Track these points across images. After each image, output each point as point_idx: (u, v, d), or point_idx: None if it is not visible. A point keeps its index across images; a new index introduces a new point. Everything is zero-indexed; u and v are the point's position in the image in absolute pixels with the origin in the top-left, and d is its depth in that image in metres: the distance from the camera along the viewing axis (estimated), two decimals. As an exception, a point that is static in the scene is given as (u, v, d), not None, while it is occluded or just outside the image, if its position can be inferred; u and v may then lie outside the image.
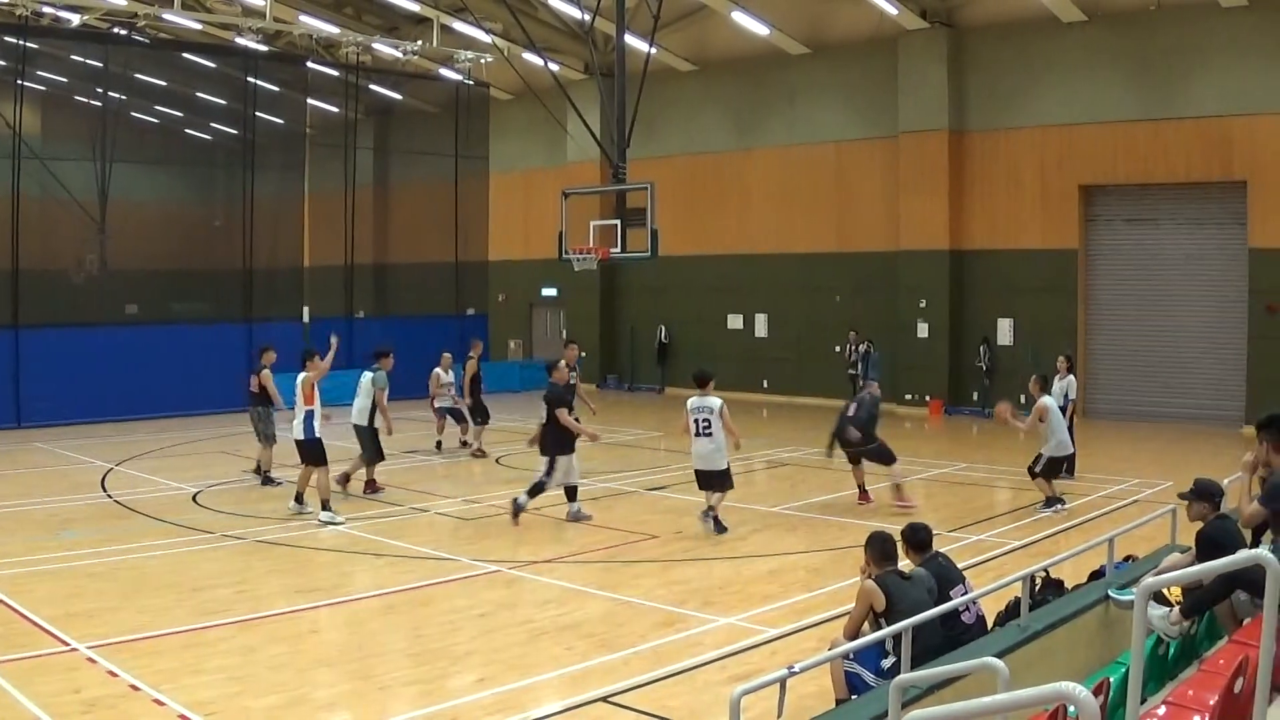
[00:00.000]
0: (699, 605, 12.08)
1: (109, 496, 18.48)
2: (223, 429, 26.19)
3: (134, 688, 9.45)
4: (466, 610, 12.06)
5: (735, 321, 34.97)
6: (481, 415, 22.96)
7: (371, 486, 18.69)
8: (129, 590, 12.86)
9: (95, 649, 10.42)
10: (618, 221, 26.22)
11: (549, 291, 39.25)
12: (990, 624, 8.93)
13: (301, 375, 16.83)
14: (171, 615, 11.77)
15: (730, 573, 13.60)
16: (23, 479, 20.55)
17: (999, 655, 6.15)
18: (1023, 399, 21.21)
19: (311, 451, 16.62)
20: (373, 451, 18.60)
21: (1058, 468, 17.57)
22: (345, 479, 18.44)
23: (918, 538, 9.18)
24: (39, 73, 31.29)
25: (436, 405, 23.42)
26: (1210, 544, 7.88)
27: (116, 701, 9.19)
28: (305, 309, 33.15)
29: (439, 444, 23.64)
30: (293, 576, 13.69)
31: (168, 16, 30.49)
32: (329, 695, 9.66)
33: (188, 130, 37.78)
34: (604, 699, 9.23)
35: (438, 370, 23.19)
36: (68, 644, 10.60)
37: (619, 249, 26.41)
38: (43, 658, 10.28)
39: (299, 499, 16.91)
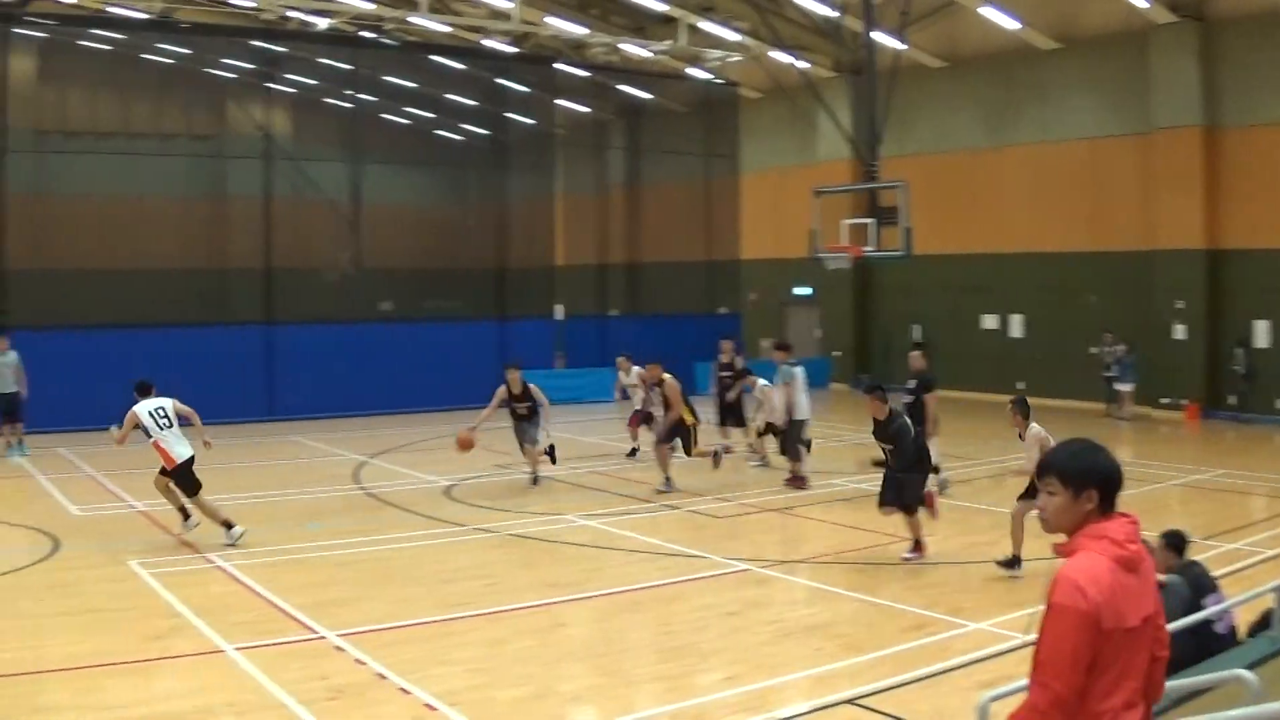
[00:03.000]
0: (949, 610, 11.62)
1: (362, 489, 18.82)
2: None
3: (380, 676, 9.50)
4: (715, 608, 11.85)
5: (989, 322, 33.85)
6: (733, 417, 22.05)
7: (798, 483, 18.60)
8: (378, 580, 13.05)
9: (344, 637, 10.52)
10: (871, 220, 25.65)
11: (802, 290, 38.70)
12: (1243, 635, 8.44)
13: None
14: (420, 606, 11.84)
15: (982, 578, 12.92)
16: (276, 471, 21.30)
17: (1249, 667, 5.79)
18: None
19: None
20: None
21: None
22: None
23: (1177, 541, 8.91)
24: (289, 76, 32.46)
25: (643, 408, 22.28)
26: None
27: (363, 689, 9.24)
28: (558, 307, 33.47)
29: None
30: (542, 570, 13.65)
31: (414, 20, 31.17)
32: (574, 689, 9.60)
33: (438, 131, 38.70)
34: (850, 701, 8.99)
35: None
36: (317, 632, 10.74)
37: (872, 248, 25.81)
38: (292, 645, 10.44)
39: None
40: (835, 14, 31.25)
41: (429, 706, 8.80)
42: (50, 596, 12.28)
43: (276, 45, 30.17)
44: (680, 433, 18.17)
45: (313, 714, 8.63)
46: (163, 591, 12.23)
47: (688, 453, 18.38)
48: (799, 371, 18.71)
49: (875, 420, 13.78)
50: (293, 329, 28.41)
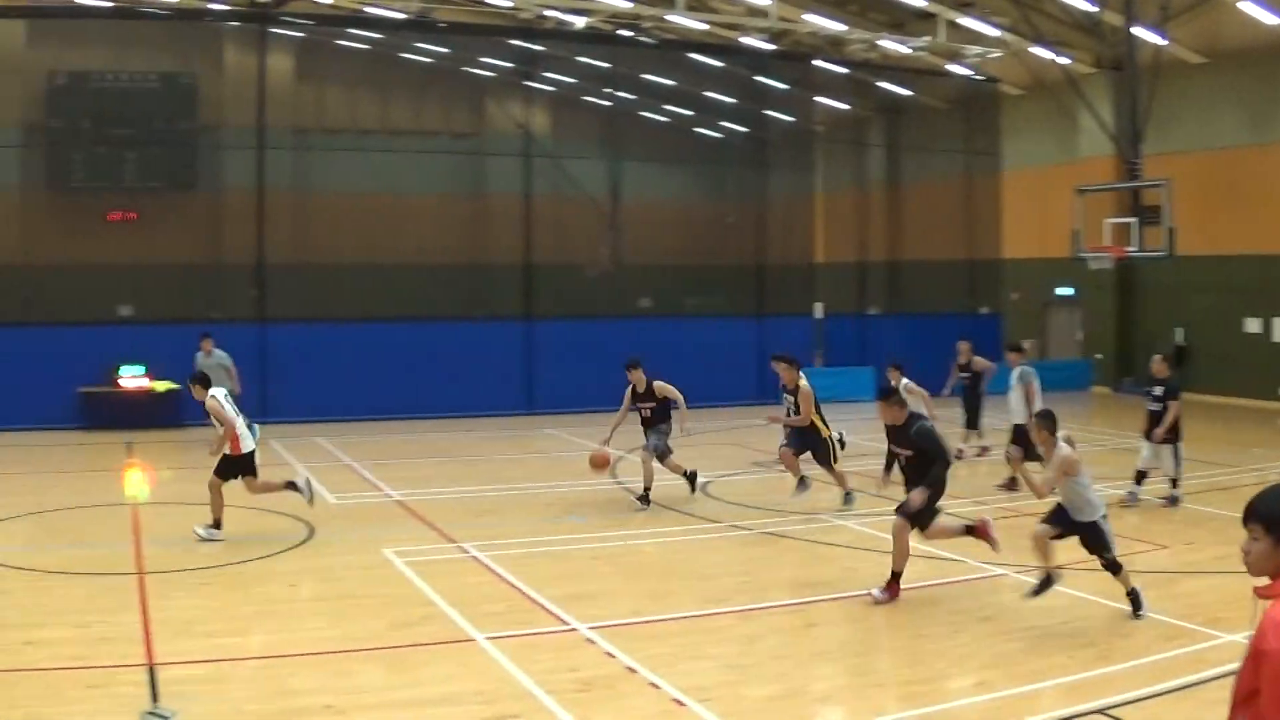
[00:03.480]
0: (1206, 621, 10.84)
1: (618, 484, 18.71)
2: (735, 420, 26.18)
3: (630, 670, 9.33)
4: (971, 612, 11.38)
5: (1252, 325, 31.86)
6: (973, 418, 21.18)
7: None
8: (631, 575, 12.94)
9: (594, 630, 10.38)
10: (1133, 219, 24.42)
11: (1064, 291, 37.17)
12: None
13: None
14: (672, 601, 11.64)
15: (1240, 588, 11.94)
16: (531, 463, 21.49)
17: None
18: None
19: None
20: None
21: None
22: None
23: None
24: (547, 74, 32.83)
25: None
26: None
27: (613, 682, 9.09)
28: (817, 305, 32.98)
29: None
30: (797, 569, 13.35)
31: (671, 18, 31.10)
32: (825, 689, 9.46)
33: (696, 129, 38.62)
34: (1101, 711, 8.55)
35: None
36: (567, 624, 10.63)
37: (1134, 248, 24.56)
38: (542, 635, 10.38)
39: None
40: (1095, 9, 30.03)
41: (677, 701, 8.57)
42: (304, 582, 12.59)
43: (534, 44, 30.53)
44: (814, 443, 16.38)
45: (561, 705, 8.49)
46: (416, 580, 12.34)
47: (827, 466, 16.42)
48: (1033, 372, 17.81)
49: (891, 427, 12.09)
50: (552, 324, 28.69)
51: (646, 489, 16.61)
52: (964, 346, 21.33)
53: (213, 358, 22.17)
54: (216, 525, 14.26)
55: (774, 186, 33.09)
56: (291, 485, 15.05)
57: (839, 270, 36.10)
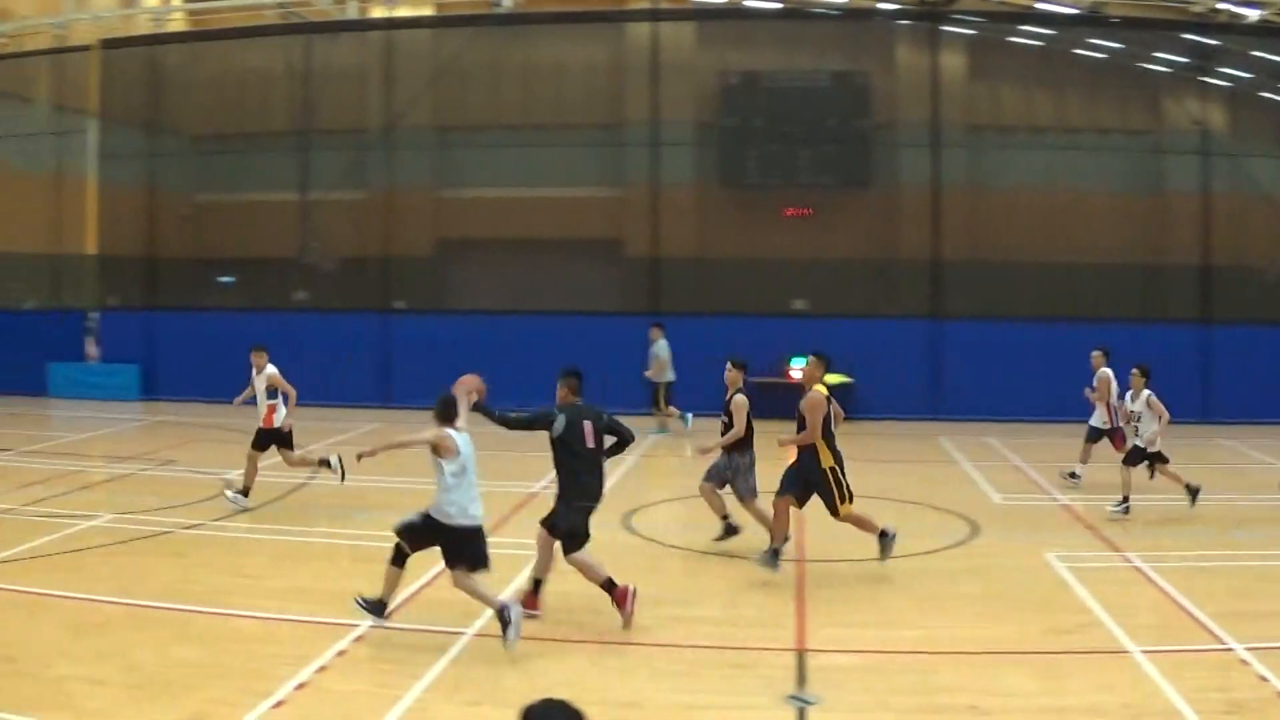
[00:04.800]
0: None
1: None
2: None
3: (1282, 695, 9.18)
4: None
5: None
6: None
7: None
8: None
9: (1252, 651, 10.23)
10: None
11: None
12: None
13: None
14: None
15: None
16: (1205, 475, 20.76)
17: None
18: None
19: None
20: None
21: None
22: None
23: None
24: (1223, 69, 31.33)
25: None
26: None
27: (1263, 706, 9.02)
28: None
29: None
30: None
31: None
32: None
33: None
34: None
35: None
36: (1224, 643, 10.54)
37: None
38: (1196, 653, 10.37)
39: None
40: None
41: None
42: (961, 580, 13.10)
43: (1208, 38, 29.36)
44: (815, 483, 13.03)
45: (1207, 725, 8.53)
46: (1075, 585, 12.58)
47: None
48: None
49: None
50: (1231, 330, 27.66)
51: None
52: None
53: (655, 346, 24.55)
54: (244, 493, 16.37)
55: None
56: (324, 463, 16.55)
57: None
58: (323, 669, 9.68)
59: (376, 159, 31.19)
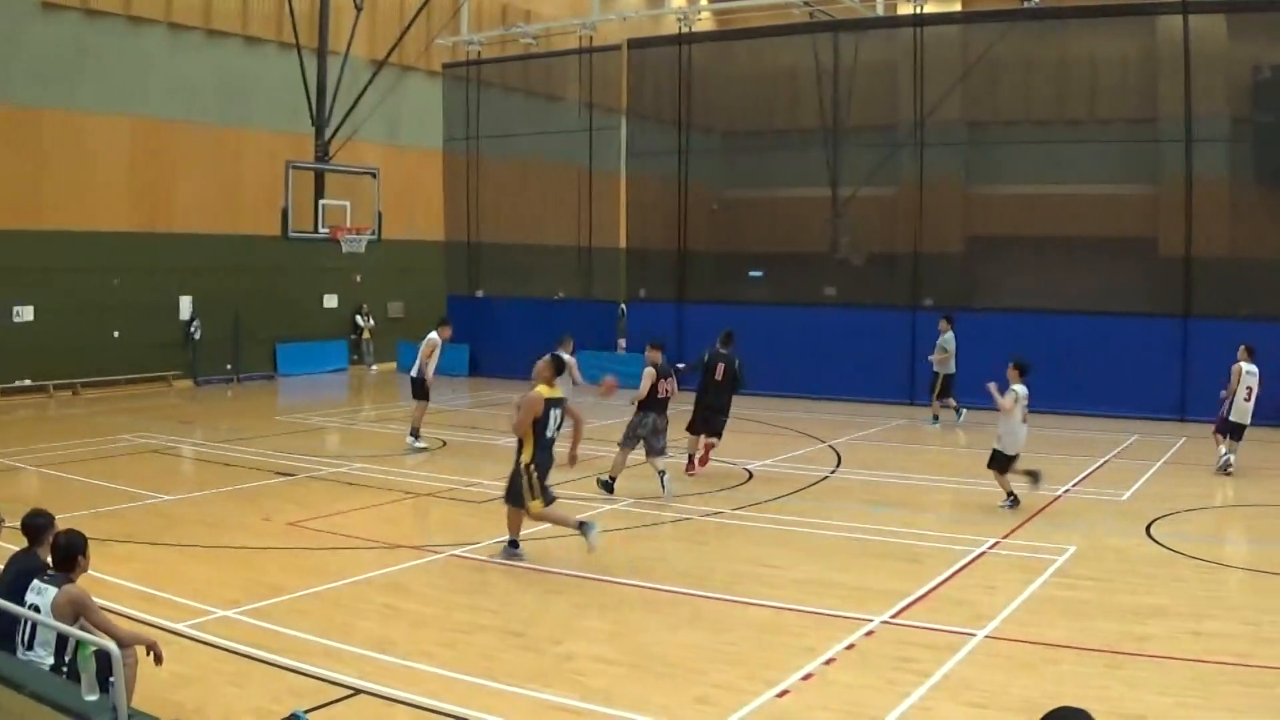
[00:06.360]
0: None
1: None
2: None
3: None
4: None
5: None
6: None
7: None
8: None
9: None
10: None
11: None
12: None
13: None
14: None
15: None
16: None
17: None
18: None
19: None
20: None
21: None
22: None
23: None
24: None
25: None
26: None
27: None
28: None
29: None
30: None
31: None
32: None
33: None
34: None
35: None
36: None
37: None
38: None
39: None
40: None
41: None
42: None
43: None
44: None
45: None
46: None
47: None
48: None
49: None
50: None
51: None
52: None
53: (942, 338, 24.74)
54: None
55: None
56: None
57: None
58: (830, 661, 9.61)
59: (906, 155, 30.97)
